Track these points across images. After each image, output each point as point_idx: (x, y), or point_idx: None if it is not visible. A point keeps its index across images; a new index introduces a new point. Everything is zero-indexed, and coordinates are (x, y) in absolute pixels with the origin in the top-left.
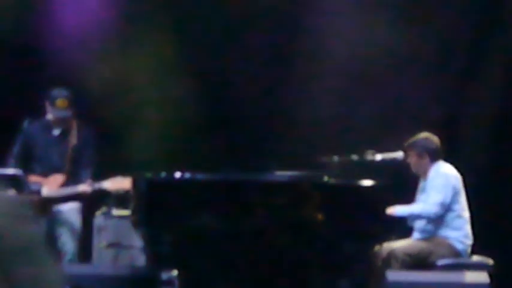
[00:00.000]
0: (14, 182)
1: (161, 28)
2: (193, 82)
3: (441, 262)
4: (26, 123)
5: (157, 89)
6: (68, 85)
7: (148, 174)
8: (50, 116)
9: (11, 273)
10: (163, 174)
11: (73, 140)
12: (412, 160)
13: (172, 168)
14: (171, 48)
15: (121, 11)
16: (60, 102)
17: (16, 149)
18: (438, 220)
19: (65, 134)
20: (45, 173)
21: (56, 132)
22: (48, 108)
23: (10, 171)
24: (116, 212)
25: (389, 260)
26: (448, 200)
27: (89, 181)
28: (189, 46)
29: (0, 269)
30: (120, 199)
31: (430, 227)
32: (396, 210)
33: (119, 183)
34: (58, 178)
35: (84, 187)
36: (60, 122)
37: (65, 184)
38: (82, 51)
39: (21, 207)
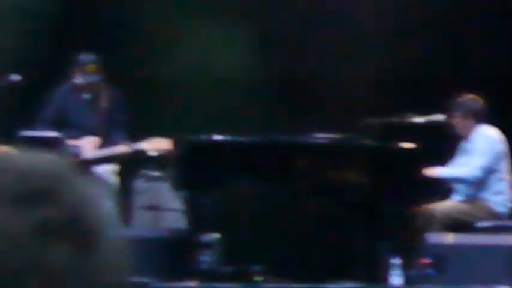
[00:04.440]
0: (54, 144)
1: None
2: (233, 45)
3: (481, 224)
4: (55, 89)
5: (202, 52)
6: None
7: (190, 136)
8: (79, 81)
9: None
10: (204, 136)
11: (103, 103)
12: (457, 120)
13: (213, 130)
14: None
15: None
16: (90, 67)
17: (46, 114)
18: (479, 183)
19: (94, 97)
20: (79, 137)
21: (86, 96)
22: (77, 73)
23: (50, 134)
24: (156, 174)
25: (430, 221)
26: (490, 164)
27: (127, 142)
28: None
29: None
30: (159, 161)
31: (471, 189)
32: (439, 171)
33: (157, 144)
34: (93, 140)
35: (123, 148)
36: (91, 86)
37: (100, 146)
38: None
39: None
